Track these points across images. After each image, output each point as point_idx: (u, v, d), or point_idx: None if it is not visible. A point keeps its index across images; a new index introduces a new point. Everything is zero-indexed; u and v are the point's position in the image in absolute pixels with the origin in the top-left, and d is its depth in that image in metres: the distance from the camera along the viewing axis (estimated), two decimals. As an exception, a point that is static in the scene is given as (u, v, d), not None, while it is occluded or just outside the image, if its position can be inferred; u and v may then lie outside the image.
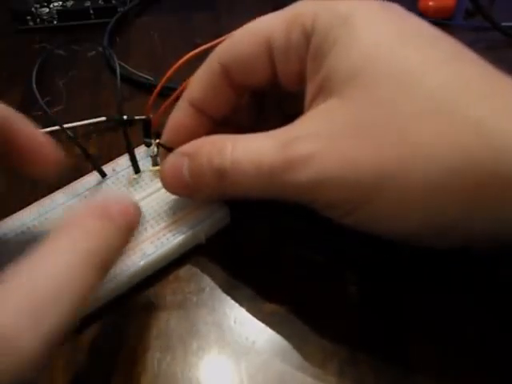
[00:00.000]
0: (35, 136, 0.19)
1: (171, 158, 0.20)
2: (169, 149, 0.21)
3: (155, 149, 0.24)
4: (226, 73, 0.20)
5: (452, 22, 0.37)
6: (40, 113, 0.27)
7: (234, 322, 0.19)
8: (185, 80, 0.22)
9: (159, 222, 0.22)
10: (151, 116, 0.24)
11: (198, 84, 0.21)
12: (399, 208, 0.16)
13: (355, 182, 0.16)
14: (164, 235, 0.21)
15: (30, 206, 0.22)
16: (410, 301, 0.20)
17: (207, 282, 0.21)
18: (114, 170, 0.24)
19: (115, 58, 0.27)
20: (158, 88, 0.22)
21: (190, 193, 0.21)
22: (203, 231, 0.22)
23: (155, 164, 0.24)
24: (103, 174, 0.24)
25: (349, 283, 0.20)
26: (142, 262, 0.20)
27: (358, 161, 0.16)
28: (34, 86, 0.25)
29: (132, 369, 0.18)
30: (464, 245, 0.17)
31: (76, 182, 0.24)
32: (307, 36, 0.18)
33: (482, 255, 0.19)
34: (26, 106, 0.26)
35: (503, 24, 0.34)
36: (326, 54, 0.17)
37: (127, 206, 0.17)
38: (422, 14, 0.37)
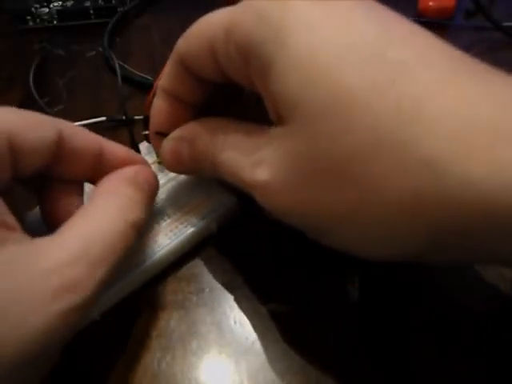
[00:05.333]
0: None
1: (170, 143, 0.21)
2: (164, 134, 0.21)
3: None
4: (185, 64, 0.20)
5: (452, 22, 0.37)
6: (40, 113, 0.27)
7: (234, 322, 0.19)
8: (161, 70, 0.22)
9: (170, 214, 0.22)
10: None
11: (166, 73, 0.21)
12: (356, 243, 0.16)
13: (306, 219, 0.16)
14: (176, 227, 0.21)
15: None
16: (410, 301, 0.20)
17: (207, 282, 0.21)
18: None
19: (115, 58, 0.27)
20: (155, 87, 0.22)
21: (193, 173, 0.22)
22: (214, 221, 0.22)
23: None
24: None
25: (349, 283, 0.20)
26: (157, 255, 0.20)
27: (306, 200, 0.16)
28: (32, 85, 0.25)
29: (132, 369, 0.18)
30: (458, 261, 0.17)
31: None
32: (244, 55, 0.17)
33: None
34: (25, 106, 0.26)
35: (503, 24, 0.34)
36: (266, 78, 0.16)
37: (149, 175, 0.20)
38: (422, 14, 0.37)
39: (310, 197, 0.15)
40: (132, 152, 0.21)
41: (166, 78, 0.21)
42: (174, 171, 0.22)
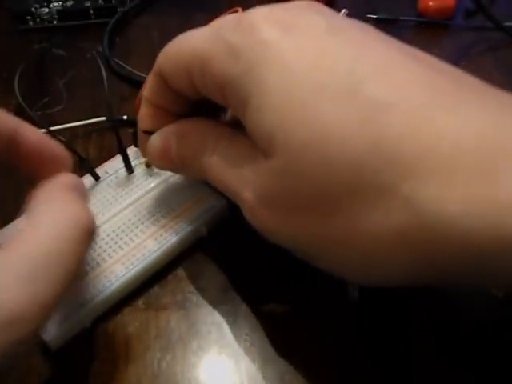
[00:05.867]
0: (41, 141, 0.19)
1: (159, 138, 0.20)
2: (151, 133, 0.21)
3: None
4: (164, 79, 0.19)
5: (452, 22, 0.37)
6: (39, 113, 0.27)
7: (234, 323, 0.19)
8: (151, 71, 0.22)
9: (159, 219, 0.22)
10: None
11: (148, 84, 0.21)
12: (342, 270, 0.16)
13: (291, 244, 0.17)
14: (166, 231, 0.21)
15: None
16: (411, 301, 0.20)
17: (207, 281, 0.21)
18: (106, 173, 0.24)
19: (108, 58, 0.27)
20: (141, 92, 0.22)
21: (179, 172, 0.22)
22: (204, 225, 0.22)
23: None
24: (96, 177, 0.24)
25: (349, 283, 0.20)
26: (147, 259, 0.20)
27: (290, 229, 0.16)
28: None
29: (132, 369, 0.18)
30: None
31: None
32: (220, 88, 0.17)
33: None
34: (25, 107, 0.26)
35: (504, 24, 0.34)
36: (243, 112, 0.16)
37: (77, 180, 0.19)
38: (422, 13, 0.37)
39: (294, 225, 0.16)
40: (47, 138, 0.19)
41: (147, 89, 0.20)
42: (159, 167, 0.22)
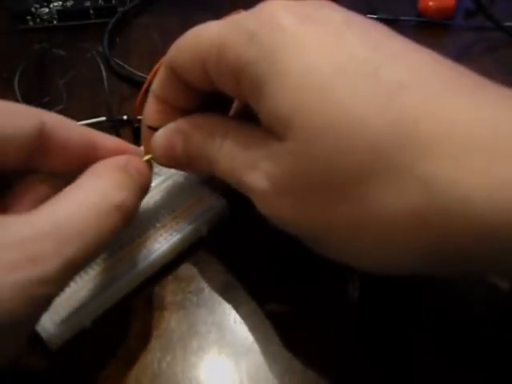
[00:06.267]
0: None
1: (164, 134, 0.20)
2: (156, 129, 0.21)
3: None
4: (176, 72, 0.19)
5: (452, 22, 0.37)
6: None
7: (234, 322, 0.19)
8: (149, 71, 0.22)
9: (159, 219, 0.22)
10: (138, 117, 0.24)
11: (158, 79, 0.21)
12: (352, 257, 0.16)
13: (303, 230, 0.16)
14: (166, 231, 0.21)
15: None
16: (410, 301, 0.20)
17: (207, 281, 0.21)
18: None
19: (108, 58, 0.27)
20: (144, 87, 0.22)
21: (185, 169, 0.22)
22: (204, 224, 0.22)
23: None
24: None
25: (349, 283, 0.20)
26: (147, 259, 0.20)
27: (303, 213, 0.16)
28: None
29: (132, 369, 0.18)
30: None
31: None
32: (236, 74, 0.17)
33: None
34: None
35: (504, 24, 0.34)
36: (259, 97, 0.16)
37: (140, 163, 0.19)
38: (422, 13, 0.37)
39: (308, 210, 0.16)
40: (126, 143, 0.20)
41: (157, 84, 0.20)
42: (164, 164, 0.21)
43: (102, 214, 0.16)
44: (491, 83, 0.15)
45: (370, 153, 0.14)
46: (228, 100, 0.21)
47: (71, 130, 0.19)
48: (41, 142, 0.17)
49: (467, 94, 0.14)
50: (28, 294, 0.14)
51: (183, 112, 0.20)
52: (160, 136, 0.20)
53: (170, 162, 0.20)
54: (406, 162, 0.13)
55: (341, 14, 0.16)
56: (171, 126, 0.20)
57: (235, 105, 0.21)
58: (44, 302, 0.15)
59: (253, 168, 0.17)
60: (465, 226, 0.13)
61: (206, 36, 0.18)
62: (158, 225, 0.22)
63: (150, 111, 0.21)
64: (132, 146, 0.21)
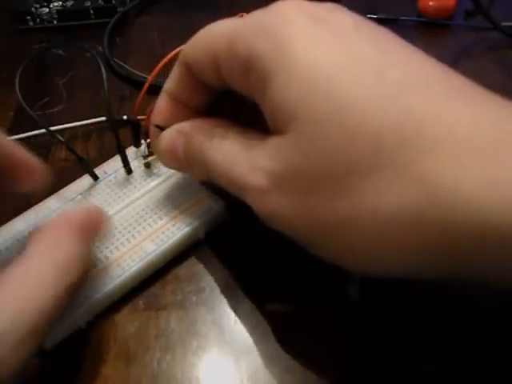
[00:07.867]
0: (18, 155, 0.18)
1: (168, 135, 0.20)
2: (163, 128, 0.21)
3: (146, 149, 0.24)
4: (190, 69, 0.20)
5: (452, 22, 0.37)
6: (39, 113, 0.27)
7: (234, 322, 0.19)
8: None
9: (157, 220, 0.22)
10: (138, 117, 0.24)
11: (172, 77, 0.21)
12: (348, 257, 0.16)
13: (298, 228, 0.16)
14: (163, 233, 0.21)
15: (23, 214, 0.22)
16: (411, 301, 0.20)
17: (207, 281, 0.21)
18: (105, 173, 0.24)
19: (108, 58, 0.27)
20: (145, 87, 0.23)
21: (185, 171, 0.22)
22: (202, 226, 0.22)
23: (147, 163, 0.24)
24: (95, 177, 0.24)
25: (349, 283, 0.20)
26: (143, 261, 0.20)
27: (299, 208, 0.16)
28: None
29: (132, 369, 0.18)
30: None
31: (68, 186, 0.24)
32: (245, 66, 0.17)
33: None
34: (24, 107, 0.26)
35: (503, 24, 0.34)
36: (266, 88, 0.16)
37: (88, 217, 0.18)
38: (422, 13, 0.37)
39: (304, 205, 0.15)
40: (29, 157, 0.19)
41: (169, 81, 0.21)
42: (167, 165, 0.21)
43: (54, 298, 0.16)
44: (494, 94, 0.15)
45: (371, 146, 0.14)
46: (240, 103, 0.21)
47: None
48: None
49: (471, 100, 0.14)
50: None
51: (194, 113, 0.21)
52: (164, 138, 0.20)
53: (172, 162, 0.21)
54: (407, 159, 0.13)
55: (352, 18, 0.17)
56: (175, 126, 0.20)
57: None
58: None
59: (251, 167, 0.17)
60: (464, 225, 0.13)
61: (218, 31, 0.18)
62: (155, 226, 0.22)
63: (160, 109, 0.21)
64: (34, 160, 0.19)
